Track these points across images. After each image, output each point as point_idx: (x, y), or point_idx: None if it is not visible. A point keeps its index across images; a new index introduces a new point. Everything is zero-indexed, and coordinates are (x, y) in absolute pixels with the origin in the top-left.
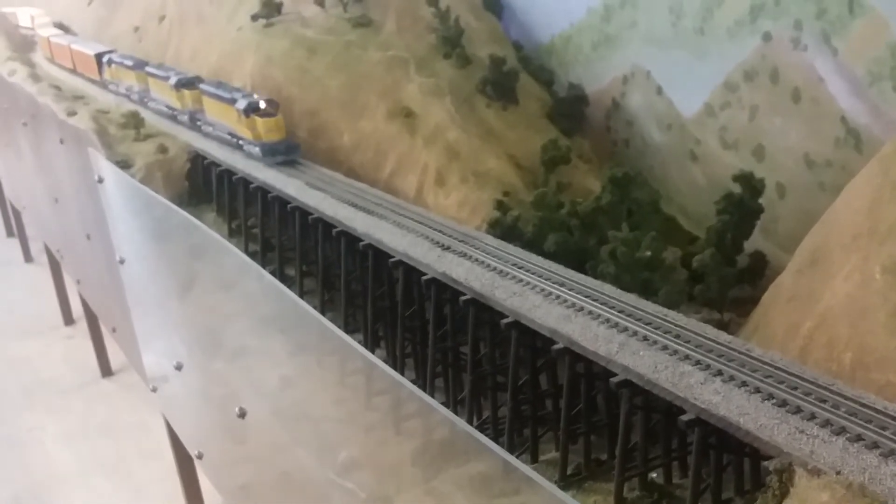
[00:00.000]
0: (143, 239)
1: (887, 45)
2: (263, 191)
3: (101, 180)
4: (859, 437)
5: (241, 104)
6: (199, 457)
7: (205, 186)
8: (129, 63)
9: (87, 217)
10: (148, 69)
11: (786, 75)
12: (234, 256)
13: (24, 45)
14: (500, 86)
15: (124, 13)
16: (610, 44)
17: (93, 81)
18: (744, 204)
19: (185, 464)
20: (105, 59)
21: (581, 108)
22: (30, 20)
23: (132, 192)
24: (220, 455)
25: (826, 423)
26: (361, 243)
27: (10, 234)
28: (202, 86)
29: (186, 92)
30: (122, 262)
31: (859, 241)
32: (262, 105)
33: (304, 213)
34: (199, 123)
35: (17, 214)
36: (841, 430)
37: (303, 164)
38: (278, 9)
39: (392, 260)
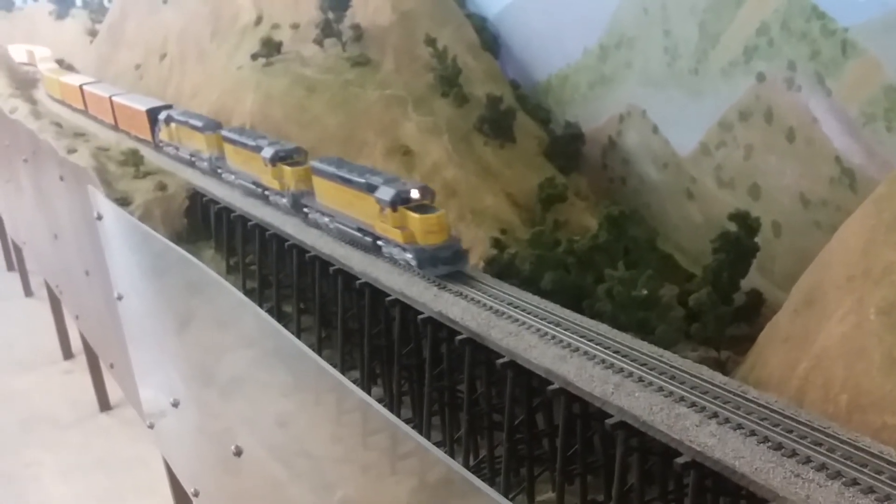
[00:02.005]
0: (141, 275)
1: (881, 86)
2: (261, 228)
3: (100, 217)
4: (855, 482)
5: (386, 193)
6: (196, 494)
7: (203, 224)
8: (198, 123)
9: (86, 253)
10: (225, 133)
11: (780, 115)
12: (231, 294)
13: (26, 82)
14: (497, 124)
15: (126, 51)
16: (606, 83)
17: (140, 140)
18: (740, 242)
19: (181, 500)
20: (161, 116)
21: (578, 147)
22: (27, 56)
23: (131, 229)
24: (217, 492)
25: (822, 467)
26: (358, 281)
27: (10, 268)
28: (317, 164)
29: (288, 169)
30: (120, 298)
31: (854, 282)
32: (415, 194)
33: (301, 250)
34: (306, 211)
35: (18, 249)
36: (837, 475)
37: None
38: (278, 48)
39: (388, 298)
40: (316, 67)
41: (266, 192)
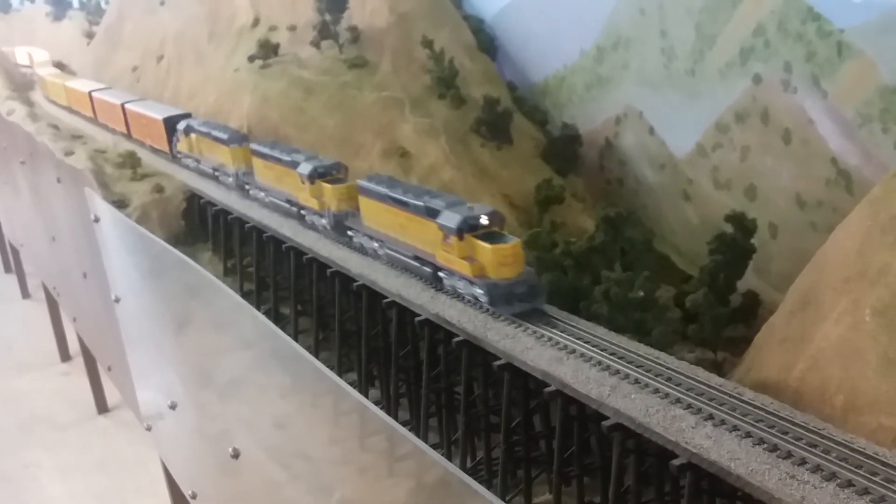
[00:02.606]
0: (139, 278)
1: (876, 88)
2: (258, 230)
3: (97, 219)
4: (850, 483)
5: (451, 219)
6: (194, 496)
7: (201, 226)
8: (222, 135)
9: (83, 255)
10: (255, 147)
11: (776, 117)
12: (228, 297)
13: (23, 84)
14: (494, 126)
15: (123, 53)
16: (603, 85)
17: (156, 151)
18: (736, 244)
19: (179, 502)
20: (181, 126)
21: (575, 148)
22: (28, 58)
23: (128, 231)
24: (215, 495)
25: (817, 469)
26: (356, 283)
27: (7, 270)
28: (366, 183)
29: (329, 187)
30: (117, 300)
31: (850, 283)
32: (485, 220)
33: (298, 252)
34: (351, 234)
35: (15, 251)
36: (832, 476)
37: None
38: (275, 50)
39: (386, 300)
40: (313, 69)
41: (302, 212)
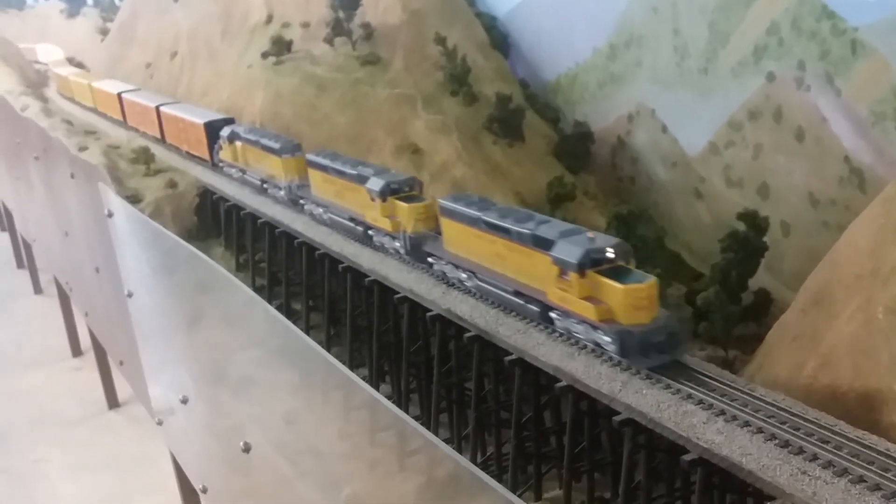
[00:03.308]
0: (151, 273)
1: (890, 86)
2: (271, 226)
3: (110, 214)
4: (861, 479)
5: (569, 252)
6: (204, 491)
7: (213, 221)
8: (273, 144)
9: (95, 250)
10: (312, 158)
11: (789, 115)
12: (241, 291)
13: (37, 81)
14: (506, 123)
15: (137, 49)
16: (615, 83)
17: (192, 156)
18: (748, 242)
19: (189, 497)
20: (224, 132)
21: (587, 146)
22: (49, 56)
23: (141, 226)
24: (225, 489)
25: (828, 465)
26: (367, 279)
27: (20, 265)
28: (450, 204)
29: (405, 206)
30: (129, 295)
31: (862, 281)
32: (610, 254)
33: (310, 248)
34: (432, 261)
35: (28, 247)
36: (843, 472)
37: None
38: (288, 47)
39: (397, 296)
40: (326, 66)
41: (370, 232)
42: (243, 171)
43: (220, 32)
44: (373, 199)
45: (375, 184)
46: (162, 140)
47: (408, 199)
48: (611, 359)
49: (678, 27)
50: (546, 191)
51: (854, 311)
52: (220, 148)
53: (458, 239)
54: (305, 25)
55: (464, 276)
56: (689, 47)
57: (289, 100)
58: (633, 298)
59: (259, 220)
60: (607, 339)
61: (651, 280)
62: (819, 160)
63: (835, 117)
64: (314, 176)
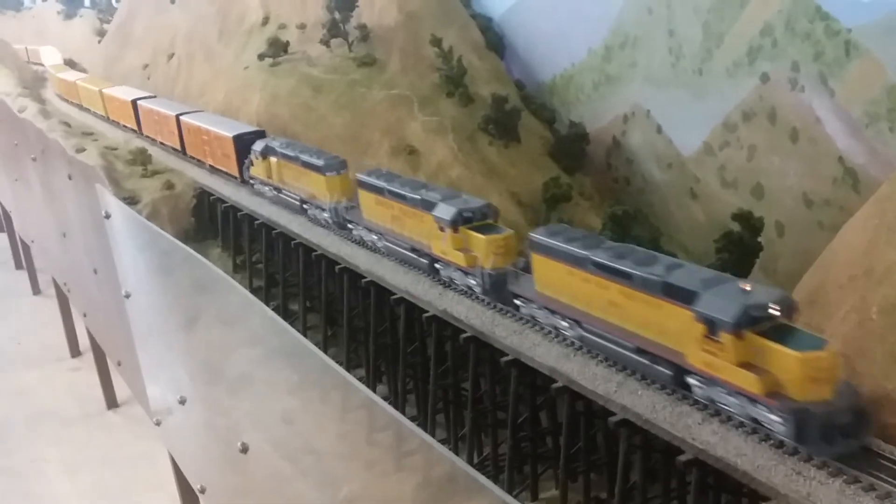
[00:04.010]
0: (149, 274)
1: (884, 87)
2: (268, 227)
3: (108, 216)
4: (856, 480)
5: (720, 308)
6: (202, 491)
7: (210, 222)
8: (316, 161)
9: (93, 251)
10: (364, 178)
11: (784, 116)
12: (238, 293)
13: (34, 81)
14: (502, 124)
15: (134, 51)
16: (611, 83)
17: (216, 171)
18: (743, 242)
19: (188, 497)
20: (258, 147)
21: (582, 146)
22: (52, 59)
23: (138, 227)
24: (223, 489)
25: (823, 465)
26: (364, 280)
27: (18, 266)
28: (545, 238)
29: (482, 238)
30: (127, 296)
31: (856, 281)
32: (774, 310)
33: (307, 249)
34: (520, 303)
35: (26, 247)
36: (838, 472)
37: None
38: (284, 48)
39: (394, 297)
40: (322, 67)
41: (437, 265)
42: (278, 190)
43: (216, 34)
44: (441, 229)
45: (445, 211)
46: (182, 152)
47: (483, 230)
48: (606, 359)
49: (673, 28)
50: (542, 191)
51: (848, 312)
52: (251, 163)
53: (556, 280)
54: (302, 27)
55: (563, 324)
56: (684, 48)
57: (285, 101)
58: (810, 368)
59: (256, 222)
60: (776, 419)
61: (829, 349)
62: (813, 161)
63: (829, 118)
64: (366, 198)
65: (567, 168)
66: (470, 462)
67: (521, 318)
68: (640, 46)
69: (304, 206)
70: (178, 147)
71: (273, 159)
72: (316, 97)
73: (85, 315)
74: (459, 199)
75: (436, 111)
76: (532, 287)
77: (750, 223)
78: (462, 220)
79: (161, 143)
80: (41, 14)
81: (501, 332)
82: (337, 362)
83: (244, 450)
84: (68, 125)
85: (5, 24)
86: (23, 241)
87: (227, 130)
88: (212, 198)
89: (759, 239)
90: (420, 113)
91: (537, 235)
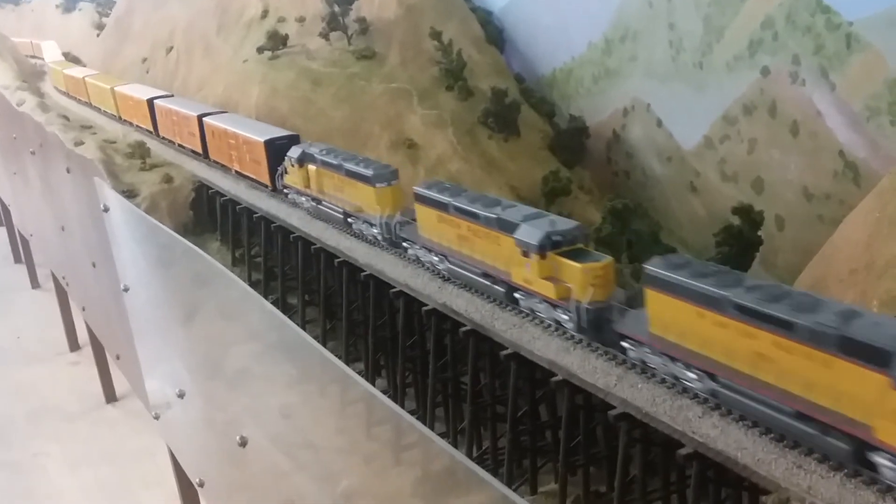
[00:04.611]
0: (148, 267)
1: (885, 80)
2: (267, 220)
3: (106, 209)
4: (857, 474)
5: None
6: (201, 485)
7: (209, 216)
8: (363, 170)
9: (92, 245)
10: (422, 192)
11: (784, 109)
12: (237, 286)
13: (33, 74)
14: (501, 117)
15: (133, 44)
16: (610, 77)
17: (243, 177)
18: (743, 236)
19: (187, 491)
20: (294, 153)
21: (582, 140)
22: (55, 54)
23: (137, 221)
24: (222, 483)
25: (824, 459)
26: (363, 273)
27: (17, 260)
28: (660, 270)
29: (577, 267)
30: (126, 290)
31: (857, 275)
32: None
33: (306, 242)
34: (629, 346)
35: (25, 241)
36: (839, 466)
37: None
38: (284, 41)
39: (393, 290)
40: (322, 61)
41: (516, 295)
42: (317, 201)
43: (215, 27)
44: (525, 255)
45: (531, 234)
46: (204, 156)
47: (576, 256)
48: (606, 353)
49: (673, 21)
50: (541, 185)
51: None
52: (285, 171)
53: (681, 323)
54: (301, 20)
55: (689, 374)
56: (684, 42)
57: (284, 94)
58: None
59: (255, 215)
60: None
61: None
62: (814, 154)
63: (829, 111)
64: (425, 214)
65: (567, 162)
66: (469, 456)
67: (520, 312)
68: (641, 40)
69: (349, 219)
70: (200, 150)
71: (311, 167)
72: (315, 90)
73: (84, 309)
74: (545, 220)
75: (435, 105)
76: (644, 327)
77: (750, 217)
78: (550, 245)
79: (180, 146)
80: (40, 8)
81: (501, 326)
82: (336, 356)
83: (243, 443)
84: (67, 118)
85: (4, 18)
86: (21, 235)
87: (257, 134)
88: (210, 191)
89: (760, 233)
90: (419, 106)
91: (655, 268)
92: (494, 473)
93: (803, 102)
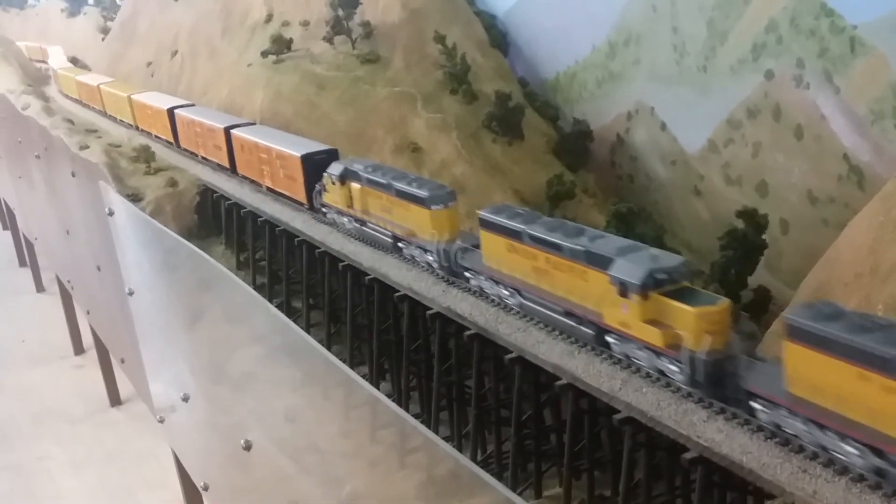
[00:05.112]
0: (152, 271)
1: (889, 84)
2: (271, 224)
3: (111, 213)
4: (862, 478)
5: None
6: (205, 488)
7: (214, 219)
8: (416, 191)
9: (97, 249)
10: (489, 217)
11: (788, 113)
12: (241, 290)
13: (38, 78)
14: (505, 121)
15: (137, 48)
16: (614, 81)
17: (276, 194)
18: (747, 240)
19: (191, 494)
20: (334, 170)
21: (586, 144)
22: (64, 59)
23: (142, 224)
24: (226, 487)
25: (829, 463)
26: (367, 277)
27: (22, 264)
28: (805, 320)
29: (688, 311)
30: (131, 293)
31: (861, 279)
32: None
33: (311, 246)
34: (761, 407)
35: (30, 245)
36: (844, 471)
37: None
38: (288, 45)
39: (397, 294)
40: (326, 65)
41: (608, 338)
42: (361, 223)
43: (220, 31)
44: (623, 294)
45: (630, 272)
46: (231, 171)
47: (684, 297)
48: (611, 357)
49: (677, 25)
50: (545, 189)
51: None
52: (324, 189)
53: (836, 383)
54: (305, 24)
55: (847, 448)
56: (688, 45)
57: (289, 98)
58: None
59: (259, 219)
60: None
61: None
62: (818, 158)
63: (834, 115)
64: (491, 241)
65: (571, 165)
66: (473, 459)
67: (524, 316)
68: (644, 43)
69: (399, 244)
70: (227, 165)
71: (355, 185)
72: (319, 94)
73: (88, 312)
74: (644, 254)
75: (439, 108)
76: (779, 385)
77: (754, 220)
78: (654, 284)
79: (203, 159)
80: (45, 12)
81: (505, 330)
82: (340, 360)
83: (247, 447)
84: (72, 122)
85: (10, 22)
86: (26, 239)
87: (293, 149)
88: (215, 195)
89: (764, 236)
90: (423, 110)
91: (798, 318)
92: (499, 477)
93: (807, 106)
